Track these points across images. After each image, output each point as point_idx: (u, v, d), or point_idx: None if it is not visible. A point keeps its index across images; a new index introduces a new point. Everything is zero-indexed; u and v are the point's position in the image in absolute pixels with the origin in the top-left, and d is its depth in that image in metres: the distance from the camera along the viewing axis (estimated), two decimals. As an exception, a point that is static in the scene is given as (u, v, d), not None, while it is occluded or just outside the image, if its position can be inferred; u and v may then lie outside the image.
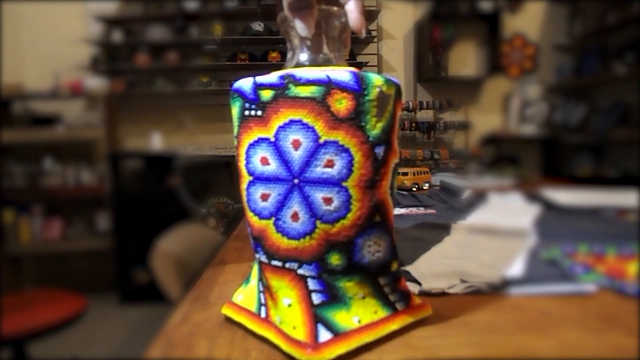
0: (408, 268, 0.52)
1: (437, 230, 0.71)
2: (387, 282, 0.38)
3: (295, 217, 0.36)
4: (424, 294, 0.46)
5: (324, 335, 0.34)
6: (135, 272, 2.60)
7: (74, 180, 2.73)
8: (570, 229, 0.71)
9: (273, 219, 0.37)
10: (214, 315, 0.43)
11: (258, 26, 1.93)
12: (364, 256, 0.36)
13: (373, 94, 0.35)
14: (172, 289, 0.76)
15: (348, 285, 0.36)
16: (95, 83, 2.54)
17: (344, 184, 0.35)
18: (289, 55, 0.41)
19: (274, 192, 0.37)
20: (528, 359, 0.33)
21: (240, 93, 0.39)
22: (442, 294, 0.46)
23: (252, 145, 0.38)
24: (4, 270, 2.66)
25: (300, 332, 0.35)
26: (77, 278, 2.73)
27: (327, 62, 0.40)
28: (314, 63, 0.40)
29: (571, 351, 0.34)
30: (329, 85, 0.35)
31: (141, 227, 2.43)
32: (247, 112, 0.39)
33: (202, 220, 1.85)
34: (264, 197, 0.38)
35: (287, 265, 0.37)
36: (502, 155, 2.18)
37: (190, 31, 2.32)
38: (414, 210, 0.94)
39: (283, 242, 0.37)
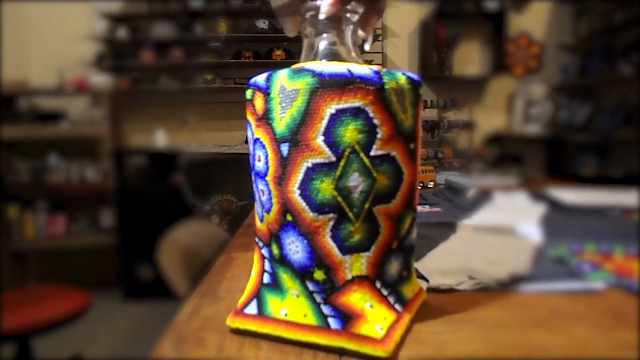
0: (415, 265, 0.52)
1: (444, 227, 0.72)
2: (316, 290, 0.36)
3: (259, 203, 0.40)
4: (432, 290, 0.46)
5: (251, 308, 0.39)
6: (138, 268, 2.61)
7: (78, 177, 2.73)
8: (576, 228, 0.71)
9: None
10: (224, 309, 0.43)
11: (262, 24, 1.93)
12: (288, 253, 0.37)
13: (274, 91, 0.36)
14: (178, 281, 0.77)
15: (284, 277, 0.38)
16: (100, 80, 2.55)
17: (267, 178, 0.37)
18: (305, 44, 0.42)
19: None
20: (536, 355, 0.34)
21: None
22: (451, 290, 0.46)
23: (253, 143, 0.40)
24: (8, 266, 2.67)
25: (240, 300, 0.40)
26: (81, 274, 2.74)
27: (337, 57, 0.40)
28: (331, 58, 0.40)
29: (579, 347, 0.34)
30: (253, 86, 0.38)
31: (145, 223, 2.44)
32: None
33: (205, 217, 1.86)
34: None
35: (256, 240, 0.41)
36: (507, 155, 2.17)
37: (195, 28, 2.32)
38: (419, 208, 0.94)
39: (258, 223, 0.41)
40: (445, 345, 0.35)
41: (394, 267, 0.38)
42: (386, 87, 0.35)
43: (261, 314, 0.38)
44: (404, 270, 0.39)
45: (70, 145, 2.73)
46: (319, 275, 0.35)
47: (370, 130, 0.34)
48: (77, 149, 2.76)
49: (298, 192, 0.35)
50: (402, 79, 0.36)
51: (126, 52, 2.43)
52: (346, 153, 0.34)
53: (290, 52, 1.90)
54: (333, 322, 0.35)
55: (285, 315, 0.37)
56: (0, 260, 2.61)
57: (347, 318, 0.35)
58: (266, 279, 0.39)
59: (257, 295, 0.39)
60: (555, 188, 1.01)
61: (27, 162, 2.71)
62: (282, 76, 0.35)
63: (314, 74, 0.34)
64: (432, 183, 1.21)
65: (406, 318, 0.37)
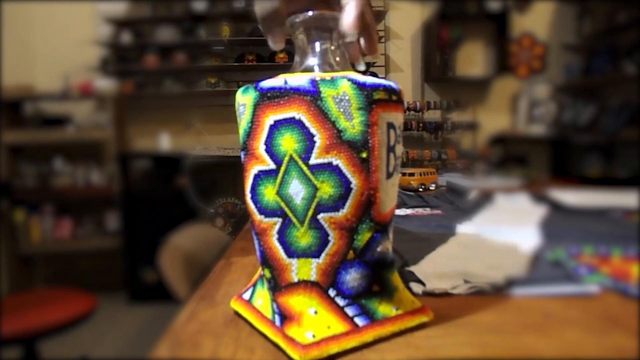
0: (412, 268, 0.52)
1: (443, 231, 0.72)
2: (267, 287, 0.39)
3: None
4: (427, 294, 0.46)
5: (247, 294, 0.43)
6: (144, 272, 2.63)
7: (84, 180, 2.75)
8: (576, 230, 0.71)
9: None
10: (220, 313, 0.43)
11: (265, 27, 1.94)
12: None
13: (235, 105, 0.40)
14: (179, 285, 0.77)
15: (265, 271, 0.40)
16: (105, 84, 2.56)
17: None
18: (297, 59, 0.42)
19: None
20: (529, 359, 0.34)
21: None
22: (445, 295, 0.46)
23: None
24: (15, 269, 2.69)
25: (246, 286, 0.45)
26: (86, 277, 2.76)
27: (329, 64, 0.41)
28: (324, 64, 0.40)
29: (573, 351, 0.35)
30: None
31: (150, 226, 2.46)
32: None
33: (210, 220, 1.86)
34: None
35: None
36: (510, 156, 2.17)
37: (198, 32, 2.33)
38: (420, 210, 0.94)
39: None
40: (438, 350, 0.35)
41: (353, 279, 0.36)
42: (323, 95, 0.35)
43: (250, 300, 0.42)
44: (374, 285, 0.38)
45: (75, 149, 2.75)
46: (267, 273, 0.38)
47: (306, 139, 0.35)
48: (83, 153, 2.78)
49: (250, 195, 0.39)
50: (345, 85, 0.35)
51: (130, 57, 2.45)
52: (285, 161, 0.36)
53: (293, 55, 1.90)
54: (276, 319, 0.37)
55: (259, 305, 0.41)
56: (8, 264, 2.63)
57: (284, 318, 0.36)
58: (260, 270, 0.42)
59: (255, 284, 0.43)
60: (557, 189, 1.01)
61: (33, 167, 2.74)
62: (238, 92, 0.39)
63: (256, 88, 0.37)
64: (434, 185, 1.21)
65: (367, 334, 0.36)
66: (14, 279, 2.67)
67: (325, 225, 0.36)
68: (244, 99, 0.38)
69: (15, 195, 2.66)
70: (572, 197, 0.94)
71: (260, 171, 0.37)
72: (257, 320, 0.39)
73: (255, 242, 0.39)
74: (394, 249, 0.57)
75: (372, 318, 0.37)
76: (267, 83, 0.37)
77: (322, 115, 0.35)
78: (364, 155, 0.35)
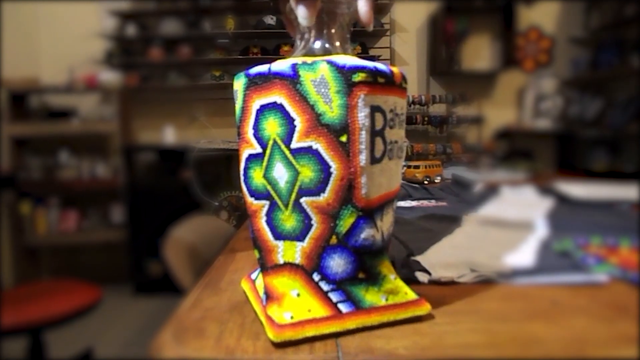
0: (418, 258, 0.52)
1: (448, 221, 0.71)
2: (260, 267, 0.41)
3: None
4: (433, 282, 0.46)
5: (254, 274, 0.46)
6: (149, 264, 2.64)
7: (89, 173, 2.76)
8: (582, 222, 0.70)
9: None
10: (225, 300, 0.43)
11: (270, 20, 1.93)
12: None
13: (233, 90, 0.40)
14: (184, 276, 0.77)
15: None
16: (110, 77, 2.57)
17: None
18: (298, 44, 0.42)
19: None
20: (534, 346, 0.33)
21: None
22: (452, 283, 0.46)
23: None
24: (21, 261, 2.71)
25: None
26: (92, 269, 2.78)
27: (329, 51, 0.40)
28: (323, 52, 0.40)
29: (578, 339, 0.34)
30: None
31: (155, 219, 2.46)
32: None
33: (214, 213, 1.87)
34: None
35: None
36: (516, 150, 2.15)
37: (203, 25, 2.33)
38: (425, 202, 0.94)
39: None
40: (444, 336, 0.35)
41: (337, 264, 0.36)
42: (301, 79, 0.35)
43: (255, 280, 0.44)
44: (360, 272, 0.37)
45: (80, 142, 2.76)
46: (256, 254, 0.39)
47: (288, 123, 0.36)
48: (88, 145, 2.79)
49: (242, 179, 0.39)
50: (324, 69, 0.35)
51: (135, 50, 2.45)
52: (269, 145, 0.36)
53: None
54: (263, 298, 0.38)
55: (258, 285, 0.42)
56: (14, 256, 2.65)
57: (267, 297, 0.37)
58: None
59: None
60: (563, 182, 1.00)
61: (38, 159, 2.75)
62: (235, 78, 0.40)
63: (245, 75, 0.38)
64: (439, 177, 1.21)
65: (350, 321, 0.35)
66: (20, 270, 2.69)
67: (308, 209, 0.36)
68: (237, 85, 0.40)
69: (21, 187, 2.67)
70: (578, 189, 0.93)
71: (250, 155, 0.38)
72: (253, 298, 0.41)
73: (249, 223, 0.40)
74: (399, 238, 0.57)
75: (357, 306, 0.36)
76: (254, 69, 0.37)
77: (302, 99, 0.35)
78: (344, 139, 0.35)
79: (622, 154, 2.25)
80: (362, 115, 0.35)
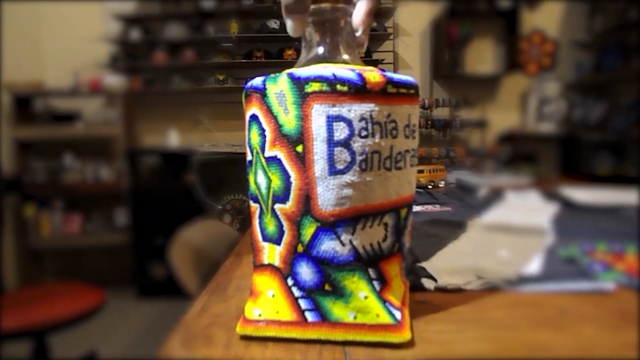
0: (424, 264, 0.52)
1: (454, 227, 0.71)
2: None
3: None
4: (439, 289, 0.46)
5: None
6: (152, 267, 2.64)
7: (93, 176, 2.77)
8: (588, 228, 0.70)
9: None
10: (232, 307, 0.44)
11: (274, 24, 1.94)
12: None
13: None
14: (189, 279, 0.78)
15: None
16: (114, 81, 2.58)
17: None
18: (303, 50, 0.42)
19: None
20: (541, 355, 0.33)
21: None
22: (458, 290, 0.46)
23: None
24: (25, 264, 2.72)
25: None
26: (95, 272, 2.78)
27: (332, 58, 0.40)
28: (326, 60, 0.40)
29: (585, 347, 0.34)
30: None
31: (158, 222, 2.47)
32: None
33: (217, 216, 1.87)
34: None
35: None
36: (520, 154, 2.15)
37: (207, 29, 2.34)
38: (429, 207, 0.94)
39: None
40: (451, 345, 0.35)
41: (305, 273, 0.36)
42: (267, 92, 0.37)
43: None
44: (326, 285, 0.36)
45: (85, 145, 2.77)
46: (252, 251, 0.41)
47: (262, 134, 0.38)
48: (92, 149, 2.80)
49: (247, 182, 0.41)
50: (283, 80, 0.35)
51: (139, 53, 2.45)
52: (254, 153, 0.39)
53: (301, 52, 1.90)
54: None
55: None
56: (18, 258, 2.66)
57: (250, 292, 0.40)
58: None
59: None
60: (568, 187, 1.00)
61: (43, 162, 2.76)
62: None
63: (244, 87, 0.40)
64: (443, 182, 1.21)
65: (312, 332, 0.35)
66: (24, 273, 2.70)
67: (280, 216, 0.37)
68: (244, 96, 0.41)
69: (25, 190, 2.68)
70: (583, 194, 0.93)
71: (248, 161, 0.40)
72: None
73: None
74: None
75: (324, 317, 0.36)
76: (249, 82, 0.39)
77: (268, 111, 0.37)
78: (299, 149, 0.35)
79: (626, 158, 2.25)
80: (317, 126, 0.34)
